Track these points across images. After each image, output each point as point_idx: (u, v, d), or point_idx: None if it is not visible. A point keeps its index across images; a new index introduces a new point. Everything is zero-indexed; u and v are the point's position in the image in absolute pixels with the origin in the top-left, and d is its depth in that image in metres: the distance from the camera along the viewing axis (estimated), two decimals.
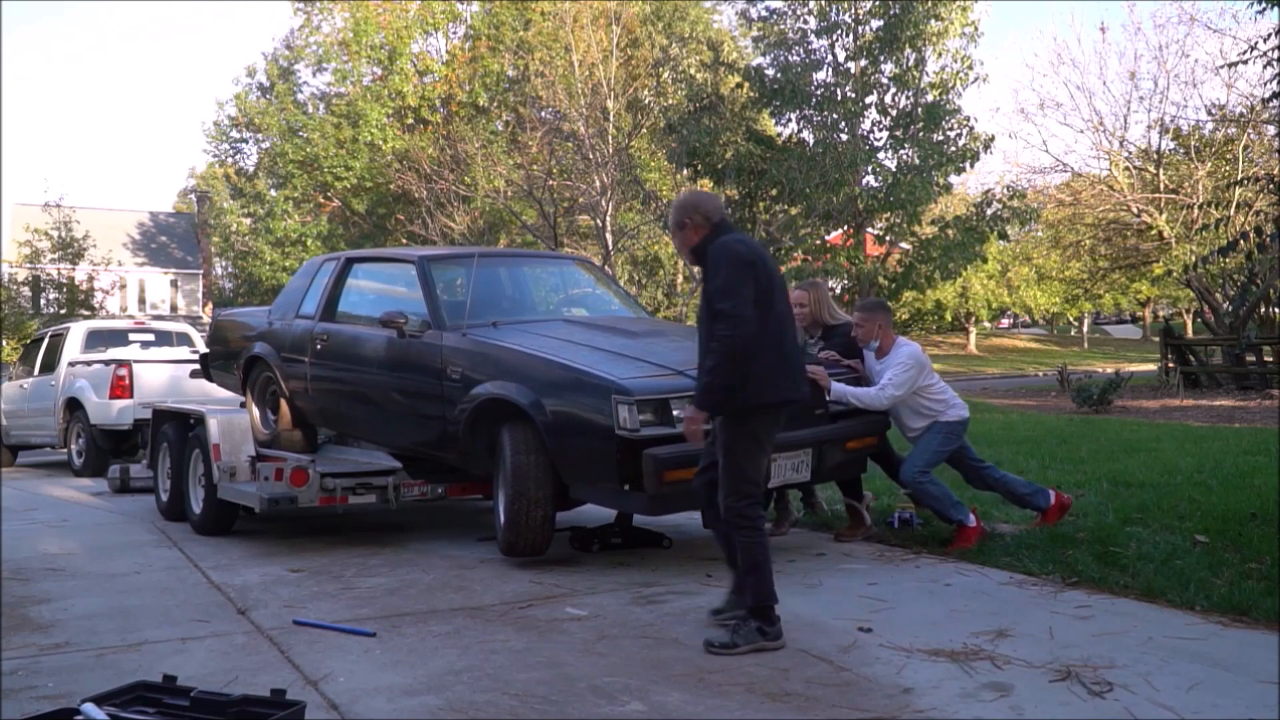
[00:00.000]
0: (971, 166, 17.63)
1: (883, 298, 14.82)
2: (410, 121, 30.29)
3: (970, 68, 17.10)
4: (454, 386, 5.33)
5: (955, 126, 17.08)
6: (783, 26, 18.35)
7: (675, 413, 4.61)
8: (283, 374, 6.47)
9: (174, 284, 40.74)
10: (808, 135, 18.24)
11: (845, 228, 18.10)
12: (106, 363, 10.65)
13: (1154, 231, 22.22)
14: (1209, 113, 22.30)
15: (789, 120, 18.35)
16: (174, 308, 39.79)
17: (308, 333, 6.35)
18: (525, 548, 4.99)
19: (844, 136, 17.47)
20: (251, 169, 36.52)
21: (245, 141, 36.20)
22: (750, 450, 3.72)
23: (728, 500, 3.70)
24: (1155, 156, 22.62)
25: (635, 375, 4.78)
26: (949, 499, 5.33)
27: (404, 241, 29.38)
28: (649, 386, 4.68)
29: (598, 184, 23.25)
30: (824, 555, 5.45)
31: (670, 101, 21.89)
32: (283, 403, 6.48)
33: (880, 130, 17.88)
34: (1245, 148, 21.25)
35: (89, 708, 2.67)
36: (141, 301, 39.19)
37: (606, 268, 23.07)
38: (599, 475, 4.75)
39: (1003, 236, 18.13)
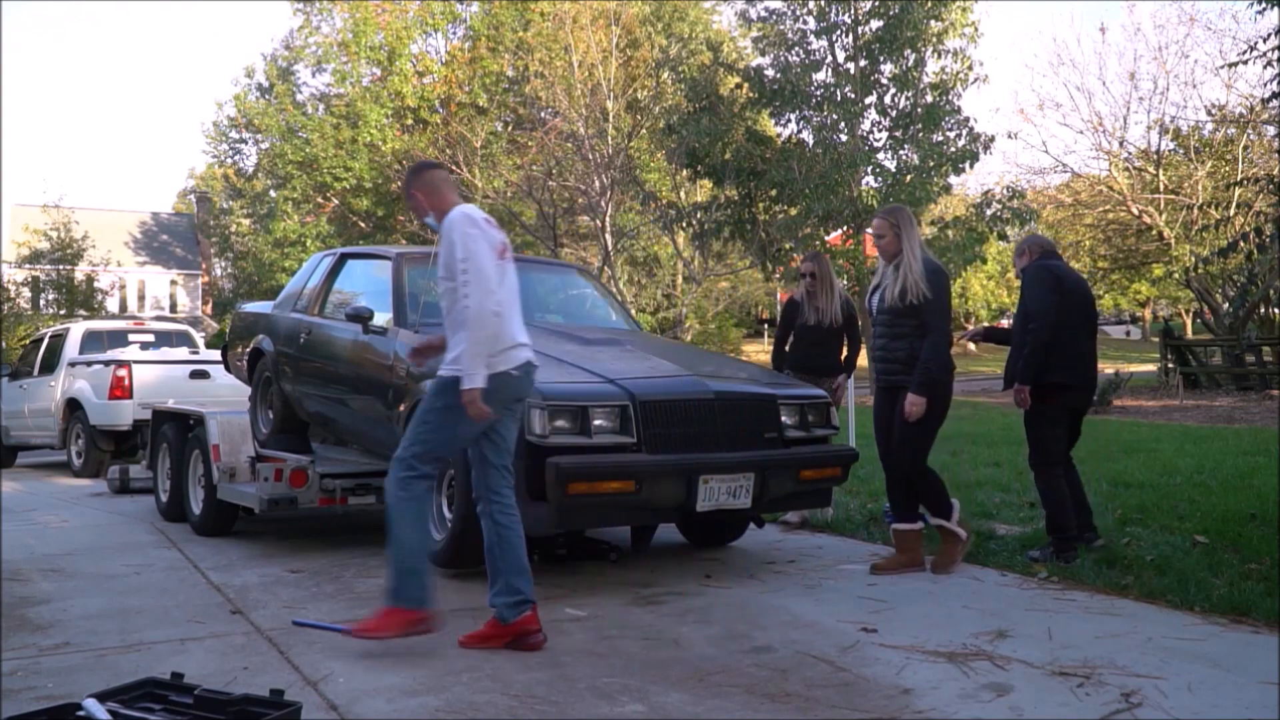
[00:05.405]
0: (971, 167, 17.60)
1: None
2: (410, 122, 30.26)
3: (970, 68, 17.09)
4: (400, 386, 5.17)
5: (955, 127, 17.07)
6: (782, 27, 18.33)
7: (596, 422, 4.37)
8: (276, 366, 6.47)
9: (175, 283, 40.77)
10: (807, 136, 18.23)
11: (845, 228, 18.10)
12: (106, 363, 10.65)
13: (1154, 232, 22.23)
14: (1209, 113, 22.31)
15: (788, 121, 18.33)
16: (175, 307, 39.82)
17: (297, 325, 6.35)
18: (469, 559, 4.73)
19: (843, 137, 17.47)
20: (251, 170, 36.49)
21: (244, 142, 36.16)
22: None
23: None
24: (1155, 157, 22.62)
25: (558, 380, 4.51)
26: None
27: (403, 242, 29.37)
28: (567, 392, 4.41)
29: (597, 184, 23.23)
30: (823, 556, 5.45)
31: (670, 102, 21.88)
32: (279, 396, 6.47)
33: (880, 131, 17.87)
34: (1245, 148, 21.25)
35: (90, 704, 2.67)
36: (141, 300, 39.22)
37: (606, 269, 23.05)
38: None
39: (1002, 237, 18.11)
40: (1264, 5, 7.80)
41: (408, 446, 3.72)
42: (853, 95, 17.32)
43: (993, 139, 16.97)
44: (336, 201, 31.16)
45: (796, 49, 18.14)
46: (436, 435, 3.70)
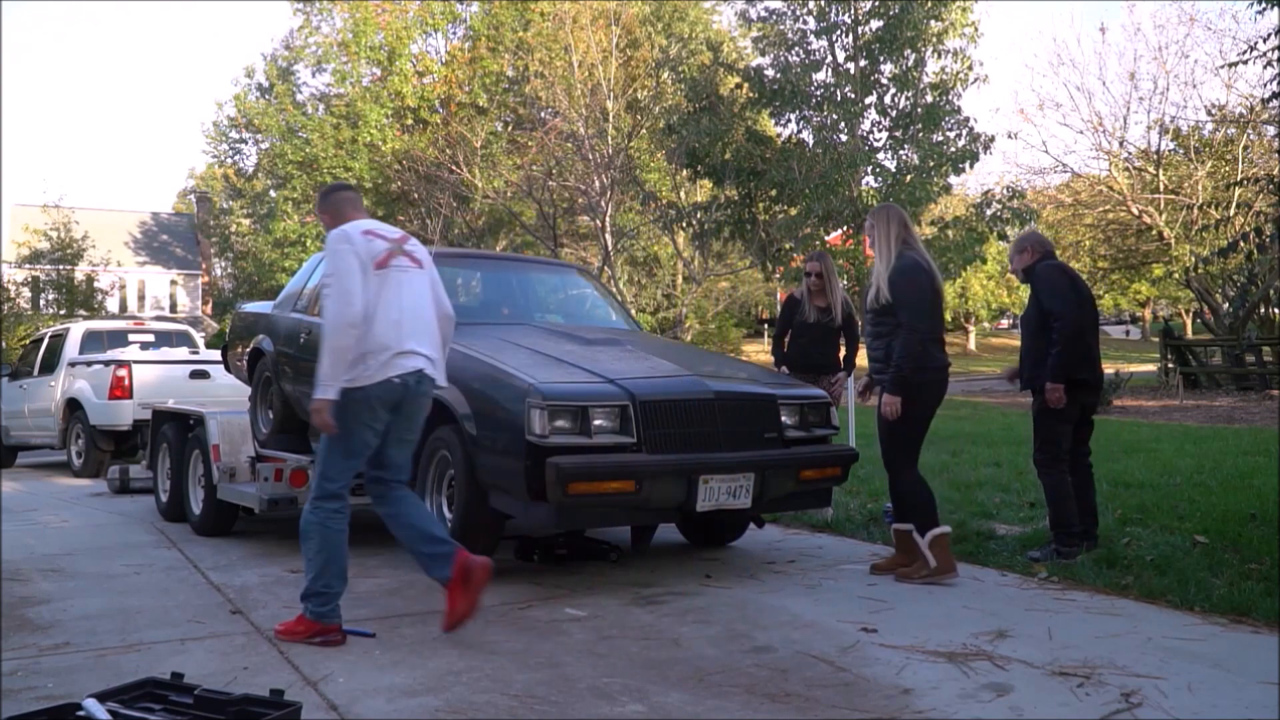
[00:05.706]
0: (971, 167, 17.61)
1: None
2: (410, 122, 30.26)
3: (970, 68, 17.09)
4: None
5: (955, 127, 17.07)
6: (782, 27, 18.33)
7: (596, 422, 4.37)
8: (276, 366, 6.47)
9: (175, 283, 40.77)
10: (807, 136, 18.23)
11: (845, 228, 18.10)
12: (106, 363, 10.65)
13: (1154, 232, 22.24)
14: (1209, 113, 22.32)
15: (788, 121, 18.34)
16: (175, 307, 39.81)
17: (297, 325, 6.33)
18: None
19: (843, 137, 17.47)
20: (251, 170, 36.49)
21: (244, 142, 36.19)
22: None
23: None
24: (1155, 157, 22.62)
25: (558, 379, 4.50)
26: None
27: None
28: (567, 392, 4.39)
29: (597, 184, 23.23)
30: (823, 556, 5.45)
31: (670, 102, 21.87)
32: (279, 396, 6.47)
33: (880, 131, 17.87)
34: (1245, 148, 21.26)
35: (90, 704, 2.66)
36: (141, 300, 39.22)
37: (606, 269, 23.04)
38: (509, 484, 4.44)
39: (1002, 237, 18.12)
40: (1264, 5, 7.81)
41: (316, 469, 3.90)
42: (853, 95, 17.32)
43: (993, 139, 16.98)
44: None
45: (796, 49, 18.14)
46: (331, 454, 3.85)
